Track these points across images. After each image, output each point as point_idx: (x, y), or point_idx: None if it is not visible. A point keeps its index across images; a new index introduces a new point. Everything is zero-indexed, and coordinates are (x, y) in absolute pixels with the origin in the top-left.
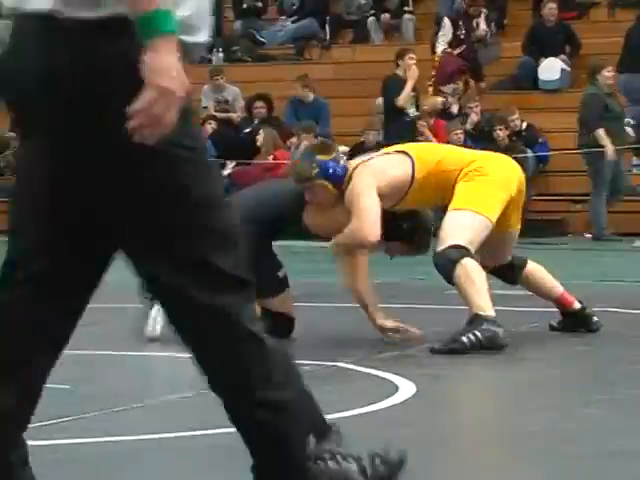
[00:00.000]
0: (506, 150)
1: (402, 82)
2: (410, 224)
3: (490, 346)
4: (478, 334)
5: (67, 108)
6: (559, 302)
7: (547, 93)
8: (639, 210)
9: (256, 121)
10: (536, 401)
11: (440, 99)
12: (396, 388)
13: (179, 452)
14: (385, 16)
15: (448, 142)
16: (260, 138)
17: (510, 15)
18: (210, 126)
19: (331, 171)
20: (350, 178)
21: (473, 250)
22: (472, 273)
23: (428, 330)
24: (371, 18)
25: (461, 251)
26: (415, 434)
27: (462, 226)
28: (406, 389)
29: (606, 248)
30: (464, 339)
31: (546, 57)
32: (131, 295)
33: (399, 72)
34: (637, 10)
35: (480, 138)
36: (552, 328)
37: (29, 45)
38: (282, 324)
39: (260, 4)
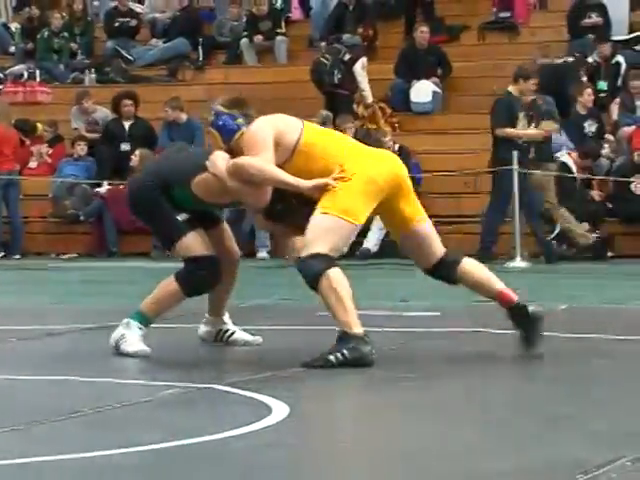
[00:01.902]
0: None
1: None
2: (283, 207)
3: (357, 364)
4: (345, 352)
5: None
6: (499, 298)
7: (419, 115)
8: (511, 232)
9: (126, 121)
10: (409, 422)
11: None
12: (269, 410)
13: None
14: (258, 38)
15: None
16: (135, 159)
17: (381, 37)
18: (80, 147)
19: (220, 123)
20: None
21: (337, 255)
22: (337, 286)
23: (302, 352)
24: (244, 40)
25: (325, 261)
26: (288, 455)
27: (327, 230)
28: (279, 410)
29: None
30: (331, 357)
31: (418, 79)
32: None
33: None
34: (505, 34)
35: None
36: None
37: None
38: (204, 266)
39: (133, 23)
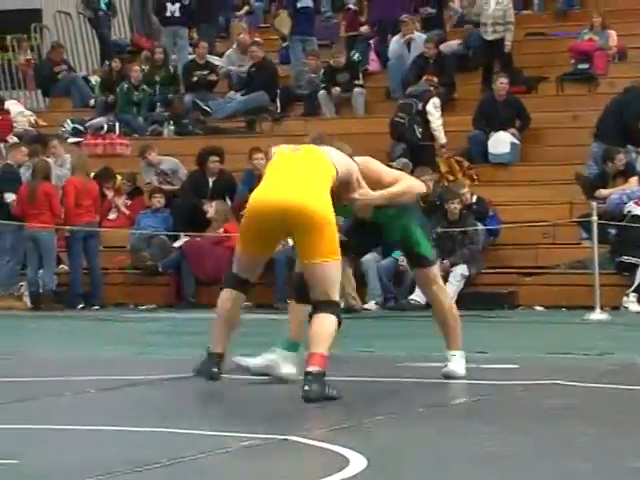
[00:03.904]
0: (456, 223)
1: None
2: None
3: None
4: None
5: None
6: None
7: (497, 166)
8: (590, 283)
9: (210, 177)
10: (486, 475)
11: None
12: (347, 461)
13: None
14: (336, 89)
15: None
16: (211, 211)
17: (460, 89)
18: (156, 199)
19: None
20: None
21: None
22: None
23: (378, 403)
24: (322, 91)
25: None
26: None
27: None
28: (357, 462)
29: (555, 321)
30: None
31: (496, 131)
32: (73, 369)
33: None
34: (584, 85)
35: (431, 211)
36: None
37: None
38: None
39: (212, 77)
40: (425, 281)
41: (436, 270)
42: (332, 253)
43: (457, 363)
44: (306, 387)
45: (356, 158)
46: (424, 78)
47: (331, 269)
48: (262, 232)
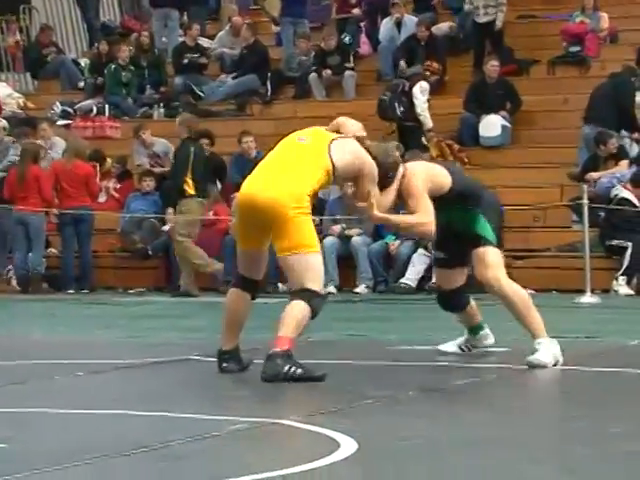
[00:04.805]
0: None
1: None
2: None
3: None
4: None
5: None
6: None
7: (488, 149)
8: (580, 267)
9: None
10: (479, 457)
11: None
12: (338, 445)
13: None
14: (326, 72)
15: None
16: None
17: (450, 71)
18: (146, 183)
19: None
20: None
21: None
22: None
23: (369, 387)
24: (313, 74)
25: None
26: None
27: None
28: (348, 446)
29: (546, 304)
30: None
31: (487, 114)
32: (63, 352)
33: None
34: (576, 68)
35: None
36: None
37: None
38: None
39: (202, 60)
40: (477, 264)
41: (494, 255)
42: (304, 246)
43: (544, 351)
44: (262, 368)
45: (413, 164)
46: (426, 64)
47: (304, 261)
48: (248, 226)
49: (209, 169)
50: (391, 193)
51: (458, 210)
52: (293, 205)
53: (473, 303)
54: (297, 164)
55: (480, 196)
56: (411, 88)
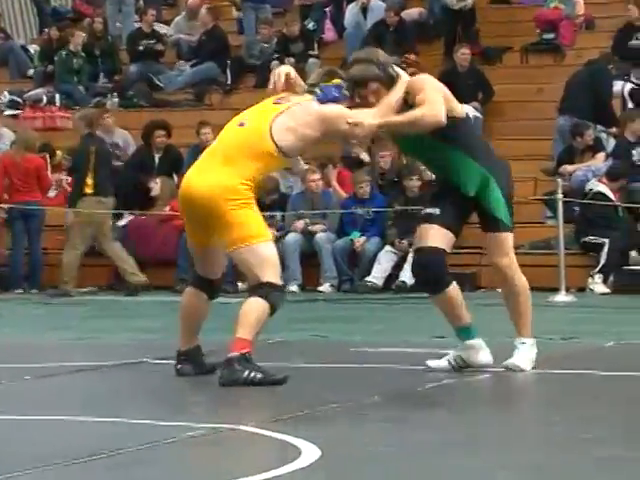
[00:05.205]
0: (416, 201)
1: None
2: None
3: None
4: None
5: None
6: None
7: None
8: (554, 264)
9: (156, 153)
10: (445, 463)
11: None
12: (299, 452)
13: None
14: (289, 60)
15: (354, 194)
16: (156, 188)
17: (420, 59)
18: None
19: (334, 96)
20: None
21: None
22: None
23: (333, 390)
24: (274, 62)
25: None
26: None
27: None
28: (310, 453)
29: None
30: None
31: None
32: (9, 355)
33: None
34: (550, 56)
35: (389, 189)
36: None
37: None
38: None
39: (159, 46)
40: (495, 249)
41: (510, 241)
42: (252, 237)
43: (523, 355)
44: (220, 372)
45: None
46: (405, 56)
47: (254, 253)
48: (191, 221)
49: (109, 165)
50: (393, 95)
51: (459, 158)
52: (228, 197)
53: (459, 292)
54: (235, 152)
55: (489, 155)
56: None
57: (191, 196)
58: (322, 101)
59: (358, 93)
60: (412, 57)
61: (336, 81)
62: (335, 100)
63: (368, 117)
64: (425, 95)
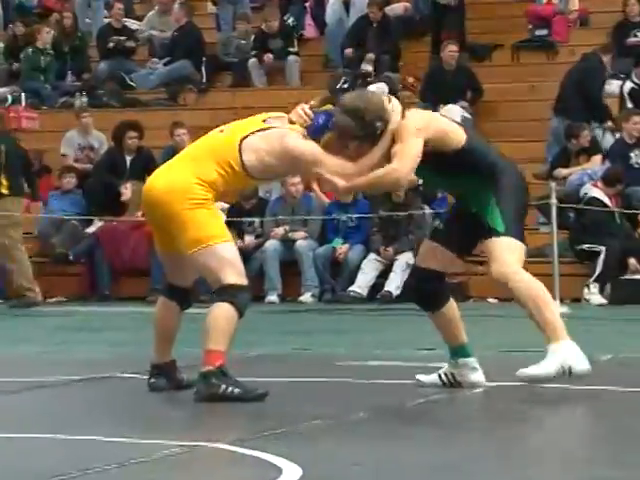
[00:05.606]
0: (403, 206)
1: None
2: None
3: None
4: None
5: None
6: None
7: None
8: (548, 273)
9: (127, 155)
10: None
11: None
12: (279, 471)
13: None
14: (268, 57)
15: (337, 199)
16: (127, 192)
17: (406, 57)
18: (66, 180)
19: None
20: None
21: None
22: None
23: (315, 405)
24: (252, 60)
25: None
26: None
27: None
28: (291, 472)
29: (509, 314)
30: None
31: (445, 103)
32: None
33: None
34: (542, 53)
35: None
36: None
37: None
38: None
39: (130, 43)
40: (489, 255)
41: (500, 247)
42: (209, 237)
43: (544, 363)
44: (195, 388)
45: (417, 112)
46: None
47: (212, 254)
48: (155, 226)
49: (22, 164)
50: (376, 151)
51: (470, 180)
52: (181, 197)
53: (456, 310)
54: (202, 153)
55: (496, 167)
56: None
57: (150, 199)
58: (310, 133)
59: (340, 140)
60: (411, 80)
61: (328, 107)
62: (323, 130)
63: (337, 175)
64: (401, 147)
